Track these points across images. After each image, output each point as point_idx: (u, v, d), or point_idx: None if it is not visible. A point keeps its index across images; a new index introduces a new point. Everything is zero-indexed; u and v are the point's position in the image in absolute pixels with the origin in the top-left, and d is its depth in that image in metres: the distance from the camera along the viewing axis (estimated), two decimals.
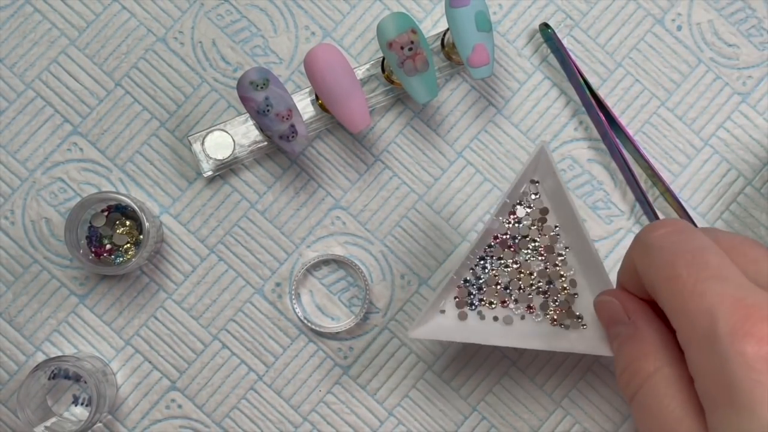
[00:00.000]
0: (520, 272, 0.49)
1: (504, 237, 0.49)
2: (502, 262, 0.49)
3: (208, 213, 0.55)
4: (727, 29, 0.57)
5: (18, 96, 0.55)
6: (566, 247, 0.49)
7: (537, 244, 0.49)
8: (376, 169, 0.56)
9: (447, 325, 0.48)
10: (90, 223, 0.53)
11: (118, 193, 0.52)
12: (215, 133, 0.54)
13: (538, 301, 0.49)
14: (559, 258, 0.49)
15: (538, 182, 0.48)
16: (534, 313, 0.49)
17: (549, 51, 0.56)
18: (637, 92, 0.56)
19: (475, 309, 0.49)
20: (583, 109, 0.56)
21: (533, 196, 0.49)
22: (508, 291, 0.49)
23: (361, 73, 0.55)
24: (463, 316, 0.49)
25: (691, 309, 0.32)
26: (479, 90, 0.56)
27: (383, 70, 0.54)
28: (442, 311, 0.49)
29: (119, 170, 0.55)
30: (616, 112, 0.56)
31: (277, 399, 0.55)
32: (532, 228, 0.49)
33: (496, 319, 0.49)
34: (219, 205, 0.55)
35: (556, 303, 0.49)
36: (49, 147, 0.55)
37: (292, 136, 0.51)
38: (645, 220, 0.56)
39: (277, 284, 0.55)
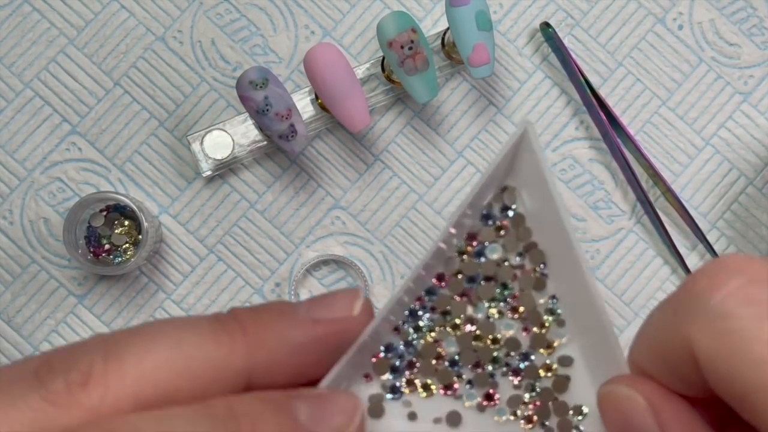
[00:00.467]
0: (478, 338, 0.30)
1: (454, 277, 0.29)
2: (450, 319, 0.30)
3: (207, 213, 0.55)
4: (728, 28, 0.57)
5: (16, 95, 0.55)
6: (554, 298, 0.30)
7: (509, 291, 0.30)
8: (376, 169, 0.55)
9: None
10: (89, 223, 0.53)
11: (116, 192, 0.52)
12: (214, 132, 0.53)
13: (505, 386, 0.29)
14: (547, 316, 0.30)
15: (514, 189, 0.30)
16: (497, 408, 0.29)
17: (550, 50, 0.56)
18: (638, 92, 0.56)
19: (398, 398, 0.29)
20: (584, 108, 0.56)
21: (509, 212, 0.30)
22: (456, 368, 0.30)
23: (360, 72, 0.54)
24: (377, 412, 0.29)
25: None
26: (479, 89, 0.56)
27: (383, 70, 0.54)
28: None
29: (118, 170, 0.55)
30: (617, 111, 0.56)
31: None
32: (503, 264, 0.29)
33: (437, 421, 0.29)
34: (218, 205, 0.55)
35: (535, 392, 0.29)
36: (48, 146, 0.55)
37: (292, 136, 0.51)
38: (646, 220, 0.55)
39: (277, 284, 0.55)
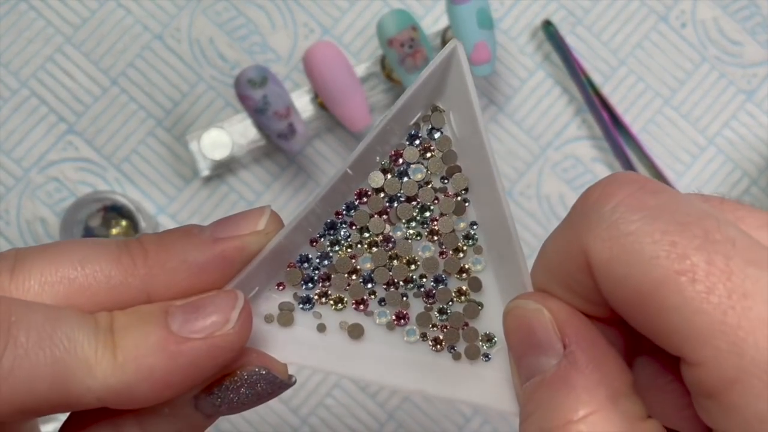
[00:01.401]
0: (394, 257, 0.30)
1: (375, 195, 0.29)
2: (368, 236, 0.29)
3: (205, 213, 0.55)
4: (731, 27, 0.56)
5: (13, 94, 0.55)
6: (475, 224, 0.29)
7: (429, 213, 0.29)
8: None
9: (258, 330, 0.29)
10: (86, 223, 0.53)
11: (114, 192, 0.51)
12: (212, 131, 0.53)
13: (416, 307, 0.30)
14: (465, 241, 0.29)
15: (443, 111, 0.29)
16: (407, 328, 0.30)
17: (551, 48, 0.56)
18: (641, 90, 0.56)
19: (310, 309, 0.30)
20: (586, 107, 0.55)
21: (436, 134, 0.29)
22: (370, 286, 0.29)
23: (360, 71, 0.54)
24: (286, 320, 0.29)
25: (731, 326, 0.19)
26: (480, 88, 0.55)
27: (383, 68, 0.54)
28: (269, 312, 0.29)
29: (115, 169, 0.55)
30: (619, 110, 0.55)
31: (276, 401, 0.54)
32: (425, 186, 0.29)
33: (342, 326, 0.29)
34: (216, 205, 0.55)
35: (446, 315, 0.29)
36: (45, 146, 0.54)
37: (291, 135, 0.50)
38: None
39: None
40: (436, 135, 0.29)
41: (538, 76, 0.56)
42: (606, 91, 0.56)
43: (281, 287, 0.29)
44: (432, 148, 0.29)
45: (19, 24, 0.55)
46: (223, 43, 0.55)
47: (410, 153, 0.29)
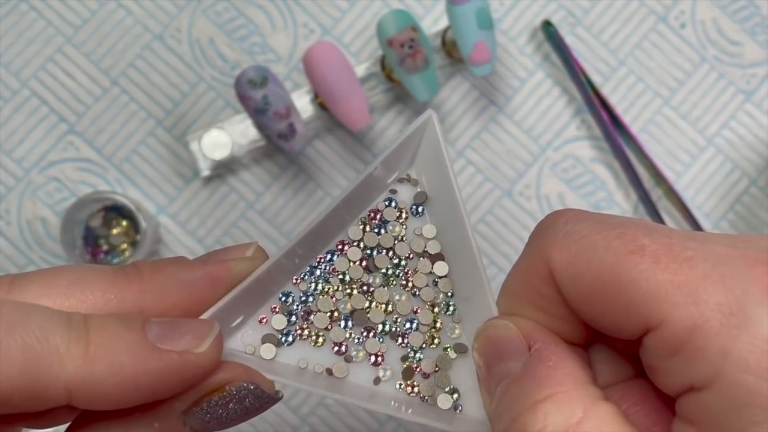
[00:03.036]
0: (371, 301, 0.31)
1: (356, 246, 0.32)
2: (347, 282, 0.31)
3: (205, 213, 0.55)
4: (731, 27, 0.56)
5: (13, 94, 0.55)
6: (445, 277, 0.32)
7: (403, 264, 0.32)
8: None
9: (242, 360, 0.30)
10: (86, 223, 0.53)
11: (114, 192, 0.51)
12: (213, 132, 0.53)
13: (394, 351, 0.31)
14: (438, 294, 0.32)
15: (414, 177, 0.32)
16: (381, 366, 0.31)
17: (551, 49, 0.56)
18: (640, 91, 0.56)
19: (291, 344, 0.31)
20: (586, 107, 0.55)
21: (407, 190, 0.32)
22: (348, 326, 0.31)
23: (360, 71, 0.54)
24: (269, 353, 0.31)
25: (683, 282, 0.22)
26: (480, 88, 0.56)
27: (383, 68, 0.54)
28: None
29: (115, 170, 0.55)
30: (618, 110, 0.55)
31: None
32: (400, 240, 0.32)
33: (328, 372, 0.31)
34: (217, 206, 0.55)
35: (417, 359, 0.31)
36: (45, 146, 0.55)
37: (291, 135, 0.50)
38: (649, 220, 0.55)
39: None
40: (409, 194, 0.32)
41: (537, 76, 0.56)
42: (605, 91, 0.56)
43: (264, 321, 0.31)
44: (406, 210, 0.32)
45: (19, 24, 0.55)
46: (223, 43, 0.55)
47: (389, 212, 0.32)
